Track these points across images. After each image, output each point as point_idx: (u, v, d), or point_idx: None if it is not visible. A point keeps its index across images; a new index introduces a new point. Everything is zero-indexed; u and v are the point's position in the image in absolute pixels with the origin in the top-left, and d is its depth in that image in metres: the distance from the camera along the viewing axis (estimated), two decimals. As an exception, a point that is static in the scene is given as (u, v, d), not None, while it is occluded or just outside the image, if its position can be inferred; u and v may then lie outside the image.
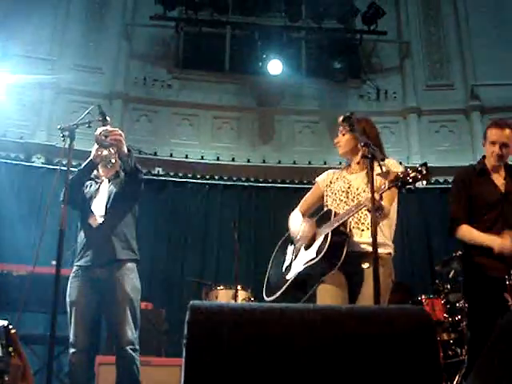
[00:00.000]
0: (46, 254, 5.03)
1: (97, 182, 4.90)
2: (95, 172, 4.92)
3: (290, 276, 4.09)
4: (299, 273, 4.00)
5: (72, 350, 4.51)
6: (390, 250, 4.13)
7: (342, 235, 3.87)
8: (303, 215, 4.45)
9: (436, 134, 10.09)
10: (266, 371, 1.65)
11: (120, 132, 4.56)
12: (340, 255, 3.78)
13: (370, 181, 3.53)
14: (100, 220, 4.71)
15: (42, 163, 9.25)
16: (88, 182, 4.88)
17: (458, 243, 4.85)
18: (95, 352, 5.04)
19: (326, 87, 10.22)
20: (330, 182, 4.46)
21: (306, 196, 4.66)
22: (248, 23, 10.35)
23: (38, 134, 9.43)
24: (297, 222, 4.34)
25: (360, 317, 1.72)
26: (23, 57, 9.31)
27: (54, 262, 5.93)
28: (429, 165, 3.34)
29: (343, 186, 4.29)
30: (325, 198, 4.41)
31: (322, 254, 3.79)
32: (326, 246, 3.79)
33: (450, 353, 6.23)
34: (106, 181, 4.91)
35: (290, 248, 4.34)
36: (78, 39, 10.04)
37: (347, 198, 4.18)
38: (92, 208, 4.76)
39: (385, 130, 10.04)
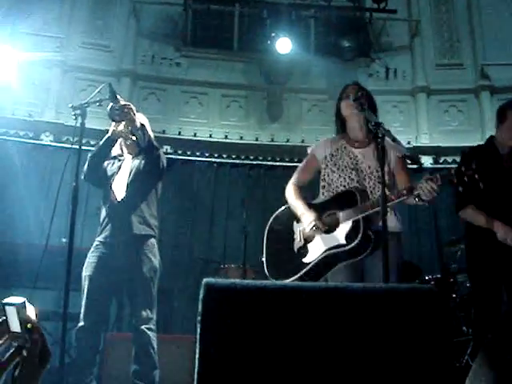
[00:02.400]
0: (55, 231, 5.07)
1: (119, 160, 4.93)
2: (119, 150, 4.96)
3: (310, 259, 4.05)
4: (323, 257, 3.99)
5: (80, 324, 4.55)
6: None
7: (368, 223, 3.89)
8: (300, 191, 4.41)
9: (445, 113, 10.03)
10: (278, 349, 1.67)
11: (130, 105, 4.59)
12: (368, 246, 3.81)
13: (381, 163, 3.53)
14: (120, 197, 4.74)
15: (51, 141, 9.28)
16: (111, 160, 4.93)
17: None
18: (104, 328, 5.07)
19: (335, 66, 10.16)
20: (331, 155, 4.33)
21: (301, 168, 4.56)
22: (256, 1, 10.27)
23: (46, 112, 9.45)
24: (298, 204, 4.28)
25: (371, 295, 1.74)
26: (31, 35, 9.30)
27: (64, 240, 6.00)
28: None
29: (350, 162, 4.23)
30: (325, 171, 4.33)
31: (356, 242, 3.81)
32: (360, 235, 3.82)
33: (458, 331, 6.26)
34: (129, 158, 4.95)
35: (297, 226, 4.27)
36: (86, 17, 10.02)
37: (358, 176, 4.15)
38: (113, 185, 4.79)
39: (394, 109, 10.02)
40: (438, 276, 6.62)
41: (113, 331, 6.71)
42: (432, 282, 6.46)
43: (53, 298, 7.38)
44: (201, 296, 1.73)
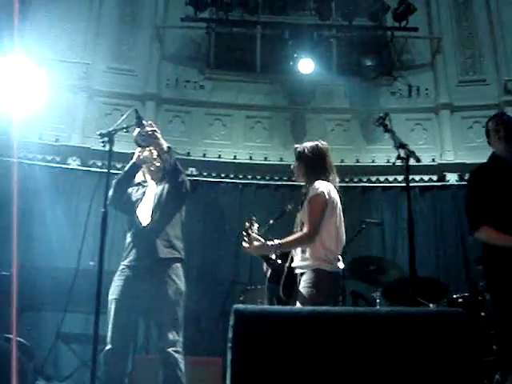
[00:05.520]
0: (82, 255, 5.11)
1: (143, 186, 5.01)
2: (142, 177, 5.03)
3: None
4: None
5: (108, 347, 4.58)
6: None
7: None
8: None
9: (469, 129, 9.96)
10: (309, 373, 1.69)
11: (156, 130, 4.68)
12: None
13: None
14: (145, 222, 4.81)
15: (78, 165, 9.41)
16: (135, 187, 5.00)
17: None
18: (131, 351, 5.11)
19: (358, 85, 10.19)
20: None
21: None
22: (278, 22, 10.38)
23: (73, 137, 9.60)
24: None
25: (399, 319, 1.75)
26: (58, 61, 9.48)
27: (92, 263, 6.07)
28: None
29: None
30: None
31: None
32: None
33: (487, 350, 6.18)
34: (153, 184, 5.02)
35: None
36: (111, 43, 10.19)
37: None
38: (138, 211, 4.86)
39: (417, 126, 10.00)
40: (466, 294, 6.56)
41: (141, 353, 6.74)
42: (460, 300, 6.39)
43: (80, 321, 7.46)
44: (231, 323, 1.75)
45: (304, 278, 4.53)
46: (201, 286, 8.66)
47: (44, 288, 6.17)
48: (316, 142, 4.88)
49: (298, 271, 4.64)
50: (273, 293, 4.77)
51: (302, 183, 4.90)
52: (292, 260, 4.71)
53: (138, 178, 5.07)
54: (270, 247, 4.60)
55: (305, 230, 4.56)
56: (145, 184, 5.07)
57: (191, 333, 6.80)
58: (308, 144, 4.87)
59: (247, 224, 4.73)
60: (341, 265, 4.66)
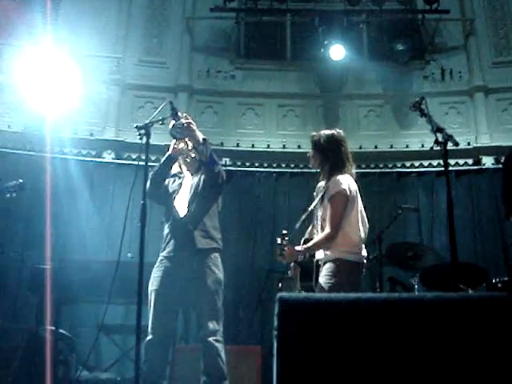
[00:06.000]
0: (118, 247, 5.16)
1: (180, 177, 5.04)
2: (178, 168, 5.07)
3: None
4: None
5: (149, 338, 4.65)
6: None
7: None
8: None
9: (504, 112, 9.83)
10: (356, 361, 1.70)
11: (191, 122, 4.72)
12: None
13: None
14: (182, 213, 4.84)
15: (112, 158, 9.51)
16: (171, 178, 5.05)
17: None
18: (172, 341, 5.17)
19: (390, 70, 10.12)
20: None
21: None
22: (308, 9, 10.32)
23: (107, 131, 9.69)
24: None
25: (446, 304, 1.75)
26: (90, 56, 9.56)
27: (129, 255, 6.13)
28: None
29: None
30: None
31: None
32: None
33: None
34: (189, 175, 5.06)
35: None
36: (142, 36, 10.26)
37: None
38: (175, 202, 4.91)
39: (451, 110, 9.90)
40: (505, 279, 6.49)
41: (180, 344, 6.81)
42: (499, 285, 6.34)
43: (119, 312, 7.55)
44: (276, 311, 1.77)
45: (325, 267, 4.63)
46: (238, 275, 8.71)
47: (80, 281, 6.26)
48: (332, 131, 4.88)
49: (320, 262, 4.75)
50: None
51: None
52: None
53: (175, 169, 5.11)
54: (299, 253, 4.73)
55: (327, 230, 4.64)
56: (181, 175, 5.11)
57: (229, 322, 6.86)
58: (324, 132, 4.88)
59: (279, 240, 4.78)
60: (364, 253, 4.74)
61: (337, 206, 4.62)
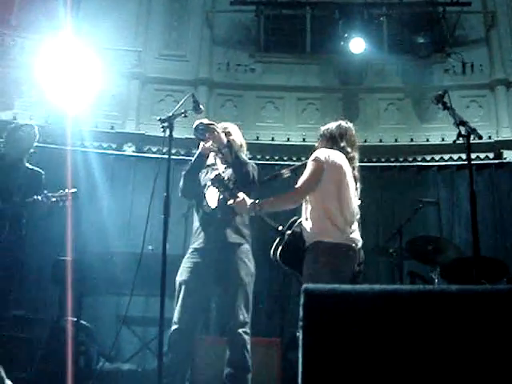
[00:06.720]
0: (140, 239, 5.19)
1: (213, 170, 5.01)
2: (212, 160, 5.06)
3: None
4: None
5: (174, 327, 4.64)
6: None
7: None
8: None
9: (526, 105, 9.78)
10: (382, 353, 1.71)
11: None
12: None
13: None
14: (213, 205, 4.84)
15: (133, 151, 9.56)
16: (205, 170, 5.02)
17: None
18: (196, 332, 5.18)
19: (410, 63, 10.08)
20: None
21: None
22: (328, 2, 10.28)
23: (127, 124, 9.74)
24: None
25: (471, 297, 1.75)
26: (110, 50, 9.61)
27: (150, 247, 6.17)
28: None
29: None
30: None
31: None
32: None
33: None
34: (222, 167, 5.03)
35: None
36: (162, 30, 10.31)
37: None
38: (207, 194, 4.90)
39: (472, 103, 9.84)
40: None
41: (200, 335, 6.85)
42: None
43: (140, 304, 7.61)
44: (301, 302, 1.78)
45: (307, 253, 4.40)
46: (257, 267, 8.71)
47: (101, 273, 6.31)
48: (339, 122, 4.81)
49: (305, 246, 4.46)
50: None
51: None
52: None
53: (209, 160, 5.08)
54: (251, 207, 4.46)
55: (291, 191, 4.50)
56: (214, 168, 5.07)
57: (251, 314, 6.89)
58: (331, 124, 4.81)
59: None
60: (355, 235, 4.44)
61: (308, 171, 4.44)
